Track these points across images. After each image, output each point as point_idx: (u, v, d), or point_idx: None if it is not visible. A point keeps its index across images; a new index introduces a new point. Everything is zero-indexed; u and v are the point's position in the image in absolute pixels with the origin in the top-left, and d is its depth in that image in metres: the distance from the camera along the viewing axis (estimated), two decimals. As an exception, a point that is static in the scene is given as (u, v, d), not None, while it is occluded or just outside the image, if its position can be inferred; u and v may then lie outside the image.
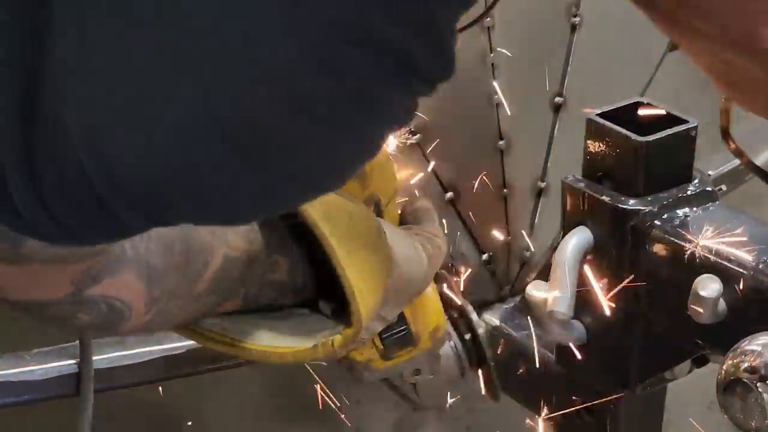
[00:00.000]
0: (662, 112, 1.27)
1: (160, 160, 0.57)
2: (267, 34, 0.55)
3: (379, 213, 1.11)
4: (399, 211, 1.17)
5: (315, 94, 0.56)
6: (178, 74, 0.56)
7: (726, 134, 0.82)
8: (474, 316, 1.38)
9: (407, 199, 1.18)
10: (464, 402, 2.23)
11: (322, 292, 1.04)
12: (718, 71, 0.67)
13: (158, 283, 0.89)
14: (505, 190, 1.51)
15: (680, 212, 1.24)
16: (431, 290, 1.22)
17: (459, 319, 1.41)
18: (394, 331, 1.20)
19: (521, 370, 1.49)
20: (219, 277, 0.94)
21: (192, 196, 0.59)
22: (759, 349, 1.07)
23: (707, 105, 1.75)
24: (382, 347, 1.22)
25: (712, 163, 1.79)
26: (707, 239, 1.19)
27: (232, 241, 0.95)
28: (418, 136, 1.47)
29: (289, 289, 1.01)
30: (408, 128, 1.47)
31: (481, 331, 1.38)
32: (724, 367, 1.08)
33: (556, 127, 1.54)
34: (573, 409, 1.41)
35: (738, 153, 0.83)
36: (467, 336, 1.44)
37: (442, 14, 0.58)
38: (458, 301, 1.41)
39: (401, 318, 1.20)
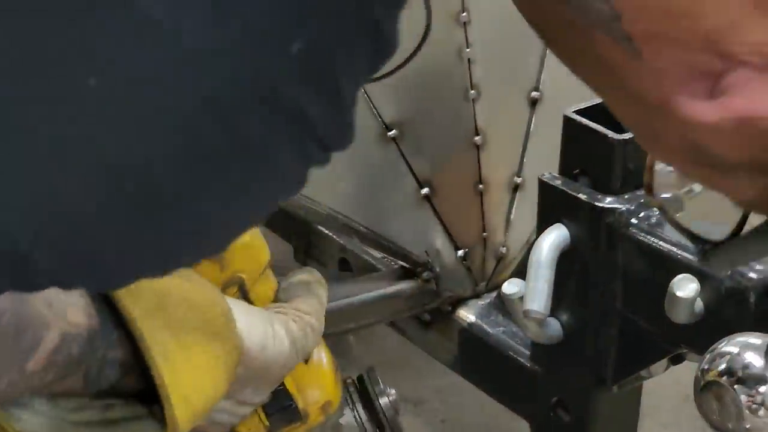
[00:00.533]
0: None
1: (36, 210, 0.52)
2: (161, 75, 0.51)
3: (244, 294, 1.07)
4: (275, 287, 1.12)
5: (209, 147, 0.53)
6: (58, 113, 0.51)
7: (649, 190, 0.81)
8: (377, 386, 1.31)
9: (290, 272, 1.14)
10: (439, 394, 2.23)
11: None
12: (634, 126, 0.67)
13: None
14: (481, 186, 1.50)
15: (657, 210, 1.22)
16: (325, 363, 1.18)
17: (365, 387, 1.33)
18: (279, 408, 1.15)
19: (497, 366, 1.48)
20: (55, 355, 0.87)
21: (68, 253, 0.54)
22: (736, 350, 1.05)
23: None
24: (267, 423, 1.17)
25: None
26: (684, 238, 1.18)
27: (70, 315, 0.88)
28: (393, 131, 1.46)
29: (132, 367, 0.95)
30: (383, 123, 1.46)
31: (387, 399, 1.30)
32: (701, 368, 1.07)
33: (533, 121, 1.53)
34: (548, 405, 1.41)
35: (661, 209, 0.81)
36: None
37: (348, 82, 0.56)
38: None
39: (285, 394, 1.15)
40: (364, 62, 0.56)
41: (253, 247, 1.08)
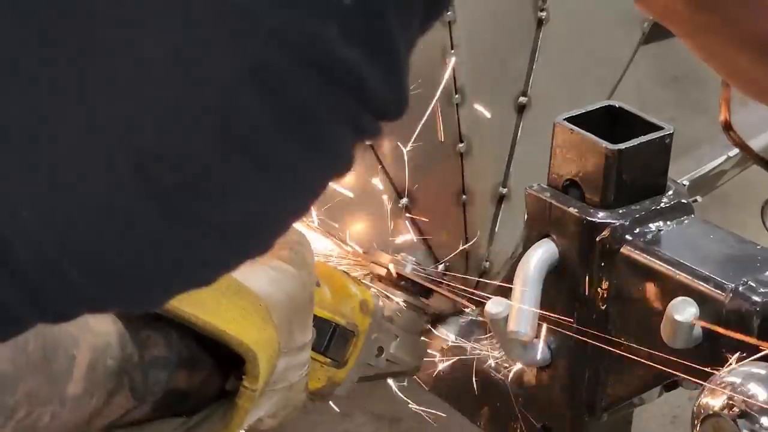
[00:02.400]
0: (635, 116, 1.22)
1: (59, 211, 0.47)
2: (195, 45, 0.45)
3: None
4: None
5: (251, 123, 0.47)
6: (82, 94, 0.46)
7: (727, 126, 0.75)
8: (397, 264, 1.33)
9: None
10: (417, 413, 2.18)
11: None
12: (723, 64, 0.62)
13: (11, 389, 0.77)
14: (464, 196, 1.46)
15: (653, 226, 1.19)
16: (337, 277, 1.23)
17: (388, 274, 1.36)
18: (327, 338, 1.20)
19: (476, 388, 1.42)
20: (92, 373, 0.82)
21: (100, 261, 0.48)
22: (739, 381, 1.02)
23: (670, 99, 1.70)
24: (329, 360, 1.21)
25: (679, 168, 1.74)
26: (682, 257, 1.14)
27: (94, 325, 0.83)
28: (371, 136, 1.41)
29: (177, 364, 0.92)
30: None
31: (409, 265, 1.34)
32: (701, 400, 1.03)
33: (520, 128, 1.50)
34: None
35: (741, 145, 0.76)
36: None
37: (402, 36, 0.50)
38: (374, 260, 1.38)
39: (324, 323, 1.18)
40: (418, 18, 0.50)
41: None
